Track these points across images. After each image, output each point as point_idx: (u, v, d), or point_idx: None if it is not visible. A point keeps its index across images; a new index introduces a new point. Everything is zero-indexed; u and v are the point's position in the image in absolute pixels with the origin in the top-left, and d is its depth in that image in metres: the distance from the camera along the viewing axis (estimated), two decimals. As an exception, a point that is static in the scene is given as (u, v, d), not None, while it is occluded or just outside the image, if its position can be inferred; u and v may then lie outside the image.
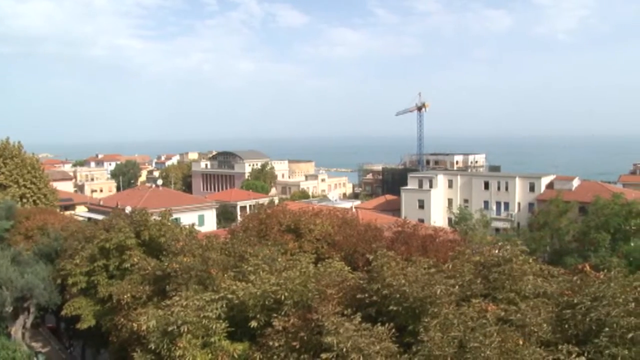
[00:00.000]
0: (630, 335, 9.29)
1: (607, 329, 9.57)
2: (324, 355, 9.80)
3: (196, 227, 26.78)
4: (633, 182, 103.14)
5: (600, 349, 9.40)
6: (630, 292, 10.33)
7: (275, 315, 12.31)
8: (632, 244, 30.56)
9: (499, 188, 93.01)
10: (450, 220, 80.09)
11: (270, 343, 11.46)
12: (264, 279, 13.86)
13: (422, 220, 66.72)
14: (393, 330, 10.21)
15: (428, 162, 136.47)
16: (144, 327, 13.15)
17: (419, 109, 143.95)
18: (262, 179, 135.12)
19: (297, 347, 10.92)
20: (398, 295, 10.86)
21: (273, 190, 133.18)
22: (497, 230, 76.55)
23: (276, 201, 68.90)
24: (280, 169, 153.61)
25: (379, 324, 10.36)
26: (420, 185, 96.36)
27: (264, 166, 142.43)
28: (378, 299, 11.30)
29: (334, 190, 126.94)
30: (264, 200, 79.39)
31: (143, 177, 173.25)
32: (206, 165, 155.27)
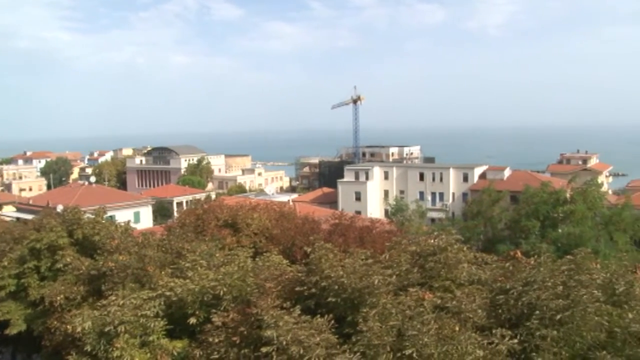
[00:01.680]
0: (558, 316, 9.68)
1: (537, 311, 9.93)
2: (264, 349, 9.79)
3: (132, 225, 26.20)
4: (560, 172, 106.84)
5: (531, 331, 9.74)
6: (558, 276, 10.76)
7: (214, 311, 12.20)
8: (559, 230, 31.72)
9: (433, 179, 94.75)
10: (386, 211, 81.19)
11: (210, 339, 11.36)
12: (202, 274, 13.71)
13: (359, 212, 67.39)
14: (332, 321, 10.27)
15: (364, 155, 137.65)
16: (78, 329, 12.78)
17: (355, 102, 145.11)
18: (199, 174, 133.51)
19: (237, 342, 10.87)
20: (336, 287, 10.94)
21: (210, 185, 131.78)
22: (433, 220, 78.03)
23: (213, 196, 68.09)
24: (217, 163, 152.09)
25: (318, 315, 10.40)
26: (357, 178, 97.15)
27: (200, 161, 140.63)
28: (317, 291, 11.35)
29: (271, 184, 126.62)
30: (201, 196, 78.45)
31: (75, 174, 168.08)
32: (141, 161, 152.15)
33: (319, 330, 9.84)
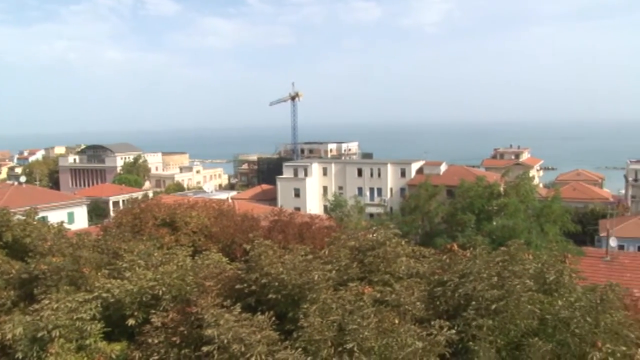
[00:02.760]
0: (494, 306, 9.99)
1: (474, 302, 10.22)
2: (205, 348, 9.71)
3: (66, 225, 25.44)
4: (494, 166, 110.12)
5: (468, 321, 10.00)
6: (493, 268, 11.10)
7: (153, 311, 12.00)
8: (494, 223, 32.59)
9: (372, 174, 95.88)
10: (325, 207, 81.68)
11: (150, 340, 11.17)
12: (140, 275, 13.46)
13: (298, 209, 67.51)
14: (273, 318, 10.27)
15: (303, 151, 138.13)
16: (9, 336, 12.30)
17: (293, 98, 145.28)
18: (135, 173, 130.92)
19: (178, 342, 10.74)
20: (277, 283, 10.94)
21: (147, 184, 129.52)
22: (372, 215, 79.00)
23: (150, 195, 66.92)
24: (154, 161, 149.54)
25: (259, 313, 10.38)
26: (296, 174, 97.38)
27: (136, 159, 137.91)
28: (257, 288, 11.32)
29: (209, 181, 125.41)
30: (138, 195, 76.85)
31: (3, 174, 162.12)
32: (74, 160, 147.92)
33: (260, 327, 9.83)
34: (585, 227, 65.26)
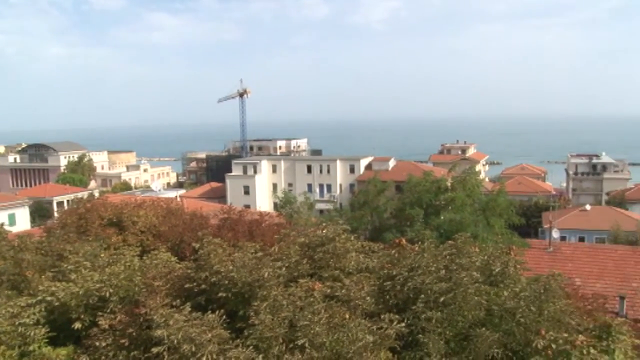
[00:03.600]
0: (442, 299, 10.19)
1: (422, 295, 10.39)
2: (154, 350, 9.58)
3: (6, 227, 24.70)
4: (441, 161, 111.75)
5: (417, 314, 10.17)
6: (441, 261, 11.32)
7: (100, 313, 11.76)
8: (442, 217, 33.03)
9: (321, 171, 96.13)
10: (275, 204, 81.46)
11: (97, 343, 10.93)
12: (86, 276, 13.15)
13: (248, 206, 67.19)
14: (224, 316, 10.21)
15: (252, 148, 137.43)
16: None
17: (241, 95, 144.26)
18: (80, 172, 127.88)
19: (126, 344, 10.55)
20: (227, 282, 10.88)
21: (92, 183, 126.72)
22: (321, 211, 79.17)
23: (96, 194, 65.55)
24: (99, 160, 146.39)
25: (209, 311, 10.30)
26: (245, 172, 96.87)
27: (81, 158, 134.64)
28: (207, 287, 11.24)
29: (157, 180, 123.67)
30: (83, 194, 75.17)
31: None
32: (15, 159, 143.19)
33: (211, 326, 9.76)
34: (529, 220, 66.96)
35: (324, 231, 12.78)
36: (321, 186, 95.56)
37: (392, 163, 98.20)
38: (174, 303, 10.72)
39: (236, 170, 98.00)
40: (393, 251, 12.73)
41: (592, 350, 9.32)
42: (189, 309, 10.25)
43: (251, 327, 9.72)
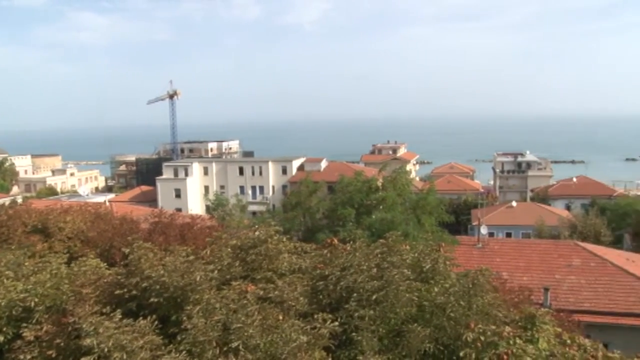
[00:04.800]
0: (374, 296, 10.33)
1: (355, 294, 10.51)
2: (84, 359, 9.33)
3: None
4: (373, 161, 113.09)
5: (350, 312, 10.27)
6: (373, 259, 11.47)
7: (25, 325, 11.32)
8: (373, 217, 33.37)
9: (253, 173, 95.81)
10: (207, 207, 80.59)
11: (22, 357, 10.51)
12: (9, 287, 12.62)
13: (179, 209, 66.20)
14: (156, 322, 10.04)
15: (183, 151, 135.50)
16: None
17: (171, 96, 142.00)
18: (1, 177, 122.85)
19: (54, 355, 10.19)
20: (158, 287, 10.71)
21: (15, 189, 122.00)
22: (254, 213, 78.91)
23: (20, 200, 63.14)
24: (22, 164, 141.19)
25: (140, 318, 10.11)
26: (176, 174, 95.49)
27: (2, 162, 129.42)
28: (138, 293, 11.02)
29: (85, 184, 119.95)
30: (5, 200, 72.23)
31: None
32: None
33: (142, 332, 9.58)
34: (459, 217, 68.73)
35: (256, 233, 12.74)
36: (253, 188, 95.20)
37: (324, 164, 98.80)
38: (104, 310, 10.46)
39: (167, 173, 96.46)
40: (325, 251, 12.82)
41: (518, 340, 9.68)
42: (120, 316, 10.03)
43: (184, 332, 9.60)
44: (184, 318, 9.85)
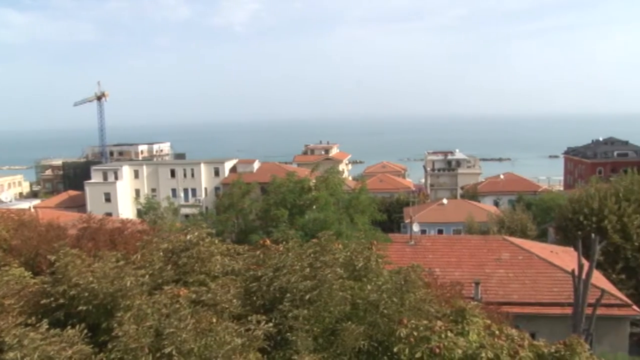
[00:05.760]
0: (308, 296, 10.36)
1: (289, 294, 10.51)
2: (7, 374, 8.96)
3: None
4: (305, 162, 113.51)
5: (284, 313, 10.27)
6: (306, 259, 11.50)
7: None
8: (306, 217, 33.48)
9: (185, 175, 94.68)
10: (139, 211, 79.07)
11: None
12: None
13: (109, 214, 64.61)
14: (85, 330, 9.76)
15: (112, 154, 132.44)
16: None
17: (99, 98, 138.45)
18: None
19: (-26, 373, 9.76)
20: (87, 294, 10.41)
21: None
22: (187, 216, 77.89)
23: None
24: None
25: (69, 327, 9.80)
26: (105, 178, 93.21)
27: None
28: (66, 301, 10.68)
29: (7, 190, 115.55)
30: None
31: None
32: None
33: (71, 342, 9.29)
34: (391, 215, 69.85)
35: (188, 236, 12.57)
36: (186, 190, 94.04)
37: (256, 165, 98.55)
38: (29, 321, 10.08)
39: (96, 177, 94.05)
40: (258, 252, 12.76)
41: (449, 334, 9.91)
42: (47, 326, 9.68)
43: (115, 339, 9.36)
44: (115, 325, 9.60)
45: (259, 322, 9.82)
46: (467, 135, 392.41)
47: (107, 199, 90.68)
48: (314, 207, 34.94)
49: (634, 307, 31.10)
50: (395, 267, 12.33)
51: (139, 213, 76.55)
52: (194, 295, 10.66)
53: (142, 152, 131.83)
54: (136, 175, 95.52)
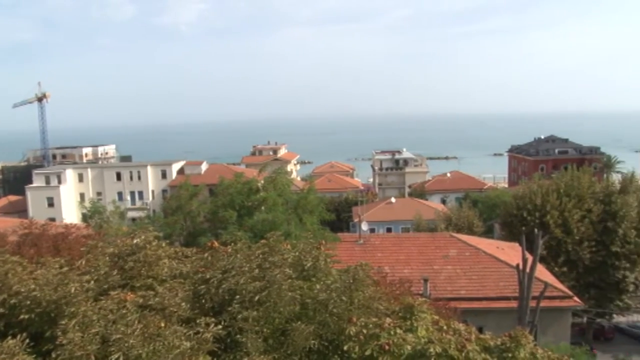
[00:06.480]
0: (257, 297, 10.31)
1: (238, 296, 10.44)
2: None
3: None
4: (254, 162, 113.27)
5: (234, 315, 10.20)
6: (254, 260, 11.45)
7: None
8: (254, 218, 33.43)
9: (131, 178, 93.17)
10: (84, 215, 77.28)
11: None
12: None
13: (53, 219, 62.98)
14: (28, 340, 9.47)
15: (55, 157, 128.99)
16: None
17: (40, 100, 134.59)
18: None
19: None
20: (29, 302, 10.13)
21: None
22: (134, 219, 76.61)
23: None
24: None
25: (9, 337, 9.49)
26: (48, 182, 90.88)
27: None
28: (6, 311, 10.36)
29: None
30: None
31: None
32: None
33: (11, 353, 9.00)
34: (340, 215, 70.20)
35: (134, 240, 12.35)
36: (132, 193, 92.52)
37: (204, 166, 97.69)
38: (-35, 335, 9.74)
39: (38, 181, 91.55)
40: (206, 254, 12.65)
41: (398, 330, 10.02)
42: (-16, 338, 9.37)
43: (59, 348, 9.12)
44: (59, 333, 9.35)
45: (208, 324, 9.72)
46: (415, 135, 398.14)
47: (50, 203, 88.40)
48: (263, 208, 34.92)
49: (575, 298, 32.19)
50: (345, 266, 12.39)
51: (84, 217, 74.75)
52: (141, 300, 10.47)
53: (86, 154, 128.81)
54: (80, 178, 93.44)
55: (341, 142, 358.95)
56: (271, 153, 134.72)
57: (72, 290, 10.22)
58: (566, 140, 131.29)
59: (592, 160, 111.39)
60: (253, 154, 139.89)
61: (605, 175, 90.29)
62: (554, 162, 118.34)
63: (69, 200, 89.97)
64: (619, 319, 53.36)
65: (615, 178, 62.50)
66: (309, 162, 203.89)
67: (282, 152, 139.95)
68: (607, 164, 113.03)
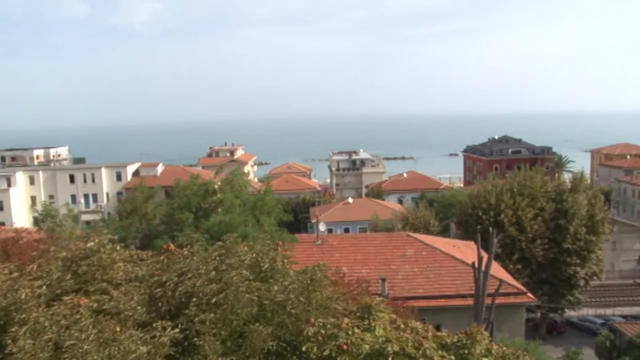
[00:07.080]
0: (214, 299, 10.23)
1: (194, 299, 10.34)
2: None
3: None
4: (210, 164, 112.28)
5: (191, 317, 10.09)
6: (211, 262, 11.35)
7: None
8: (211, 220, 33.19)
9: (85, 180, 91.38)
10: (35, 219, 75.49)
11: None
12: None
13: (2, 223, 61.51)
14: (-25, 350, 9.22)
15: (4, 159, 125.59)
16: None
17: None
18: None
19: None
20: (-24, 310, 9.85)
21: None
22: (88, 223, 75.22)
23: None
24: None
25: (-45, 347, 9.22)
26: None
27: None
28: (-48, 321, 10.06)
29: None
30: None
31: None
32: None
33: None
34: (298, 216, 70.17)
35: (88, 243, 12.12)
36: (86, 196, 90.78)
37: (160, 168, 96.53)
38: None
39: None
40: (162, 257, 12.49)
41: (356, 330, 10.08)
42: None
43: (9, 357, 8.89)
44: (9, 341, 9.11)
45: (164, 328, 9.60)
46: (371, 135, 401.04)
47: (0, 207, 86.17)
48: (219, 209, 34.69)
49: (529, 294, 32.89)
50: (302, 267, 12.39)
51: (36, 221, 72.99)
52: (95, 305, 10.28)
53: (37, 157, 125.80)
54: (32, 181, 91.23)
55: (298, 143, 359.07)
56: (228, 154, 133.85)
57: (23, 296, 9.97)
58: (519, 141, 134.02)
59: (544, 160, 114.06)
60: (210, 155, 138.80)
61: (556, 175, 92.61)
62: (507, 162, 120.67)
63: (19, 204, 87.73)
64: (571, 314, 54.81)
65: (566, 177, 64.22)
66: (266, 163, 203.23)
67: (239, 153, 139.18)
68: (559, 164, 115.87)
